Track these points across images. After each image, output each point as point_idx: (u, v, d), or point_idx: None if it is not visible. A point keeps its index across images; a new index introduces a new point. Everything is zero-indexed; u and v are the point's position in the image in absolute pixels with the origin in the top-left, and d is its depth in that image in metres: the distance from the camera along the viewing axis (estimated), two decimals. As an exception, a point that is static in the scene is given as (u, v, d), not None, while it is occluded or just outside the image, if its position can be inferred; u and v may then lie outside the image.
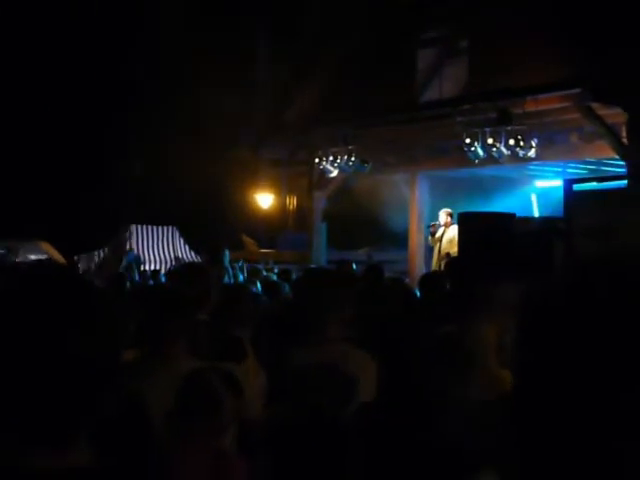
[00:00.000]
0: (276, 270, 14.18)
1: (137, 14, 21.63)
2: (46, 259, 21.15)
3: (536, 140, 13.91)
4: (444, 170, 17.02)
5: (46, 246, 23.28)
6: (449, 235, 15.19)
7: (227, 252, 16.86)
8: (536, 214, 17.13)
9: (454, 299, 6.27)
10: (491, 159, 14.42)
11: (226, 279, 12.24)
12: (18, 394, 1.43)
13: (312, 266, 14.33)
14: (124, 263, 19.15)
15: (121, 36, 22.16)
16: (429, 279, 7.58)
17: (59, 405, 1.44)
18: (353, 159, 16.64)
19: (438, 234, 15.50)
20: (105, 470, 1.53)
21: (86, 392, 1.47)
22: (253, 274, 12.61)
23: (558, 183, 16.00)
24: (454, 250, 14.46)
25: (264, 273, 12.89)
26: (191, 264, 11.83)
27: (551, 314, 1.16)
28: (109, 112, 22.92)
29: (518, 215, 11.11)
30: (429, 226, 15.86)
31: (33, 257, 22.16)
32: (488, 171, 16.33)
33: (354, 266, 11.27)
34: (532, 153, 14.01)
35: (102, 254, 23.27)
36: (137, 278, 14.42)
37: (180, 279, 5.54)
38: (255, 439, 3.98)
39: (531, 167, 16.57)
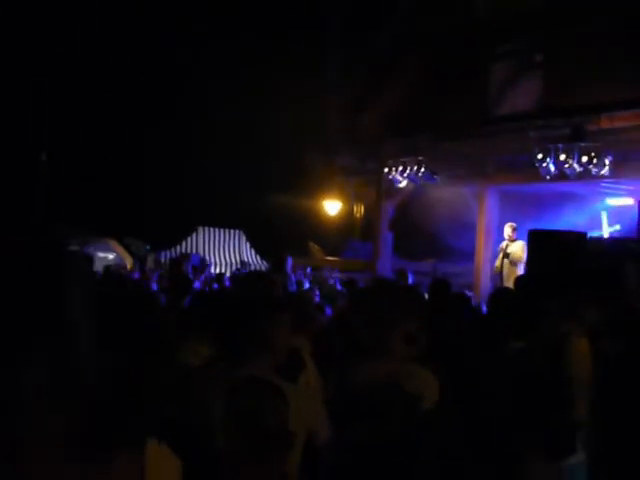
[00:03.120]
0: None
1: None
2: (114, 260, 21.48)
3: (610, 158, 13.67)
4: (514, 185, 16.79)
5: (114, 244, 23.64)
6: (512, 249, 15.03)
7: (290, 259, 16.87)
8: (605, 233, 16.80)
9: (523, 315, 6.17)
10: (563, 175, 14.20)
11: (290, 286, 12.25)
12: None
13: (377, 276, 14.27)
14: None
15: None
16: (499, 295, 7.44)
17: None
18: (423, 170, 16.55)
19: (502, 248, 15.35)
20: None
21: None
22: (317, 282, 12.60)
23: (631, 202, 15.72)
24: (518, 258, 14.40)
25: (330, 282, 12.88)
26: (257, 272, 11.87)
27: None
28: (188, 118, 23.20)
29: (589, 234, 10.93)
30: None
31: (101, 255, 22.53)
32: (559, 187, 16.07)
33: (410, 276, 11.27)
34: (605, 171, 13.78)
35: (170, 254, 23.50)
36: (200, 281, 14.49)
37: (245, 286, 5.53)
38: (320, 457, 3.93)
39: (603, 185, 16.27)
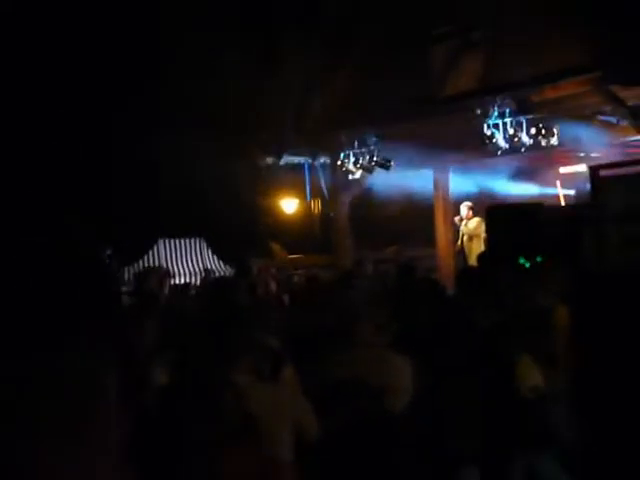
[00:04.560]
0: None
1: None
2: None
3: (558, 127, 13.82)
4: (467, 164, 16.90)
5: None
6: (469, 226, 15.21)
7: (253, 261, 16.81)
8: (562, 201, 16.98)
9: (490, 292, 6.24)
10: (514, 149, 14.33)
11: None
12: None
13: (339, 270, 14.30)
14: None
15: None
16: (464, 275, 7.53)
17: None
18: (375, 159, 16.61)
19: (461, 228, 15.53)
20: None
21: None
22: (283, 282, 12.62)
23: (583, 168, 15.90)
24: (477, 236, 14.57)
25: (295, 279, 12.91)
26: (221, 278, 11.86)
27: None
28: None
29: (546, 204, 11.06)
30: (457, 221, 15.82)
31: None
32: (512, 161, 16.20)
33: (369, 266, 11.38)
34: (555, 140, 13.92)
35: (134, 269, 23.30)
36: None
37: (213, 295, 5.55)
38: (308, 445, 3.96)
39: (554, 154, 16.42)
